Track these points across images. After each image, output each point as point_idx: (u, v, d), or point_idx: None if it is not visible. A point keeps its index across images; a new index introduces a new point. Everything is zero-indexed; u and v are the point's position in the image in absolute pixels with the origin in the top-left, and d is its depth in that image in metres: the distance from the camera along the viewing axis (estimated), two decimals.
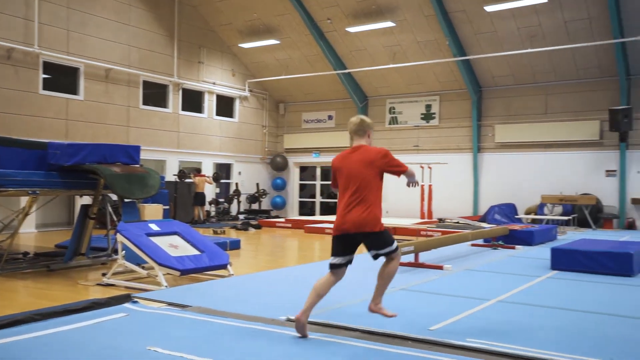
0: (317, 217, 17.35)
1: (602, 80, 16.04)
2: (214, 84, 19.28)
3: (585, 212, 15.67)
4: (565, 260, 7.57)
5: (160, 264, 6.21)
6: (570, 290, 6.34)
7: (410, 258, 7.81)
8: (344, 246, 4.21)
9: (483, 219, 16.34)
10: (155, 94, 17.54)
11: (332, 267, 4.23)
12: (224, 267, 6.84)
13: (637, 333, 4.44)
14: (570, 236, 12.85)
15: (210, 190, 18.55)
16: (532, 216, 16.02)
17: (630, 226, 15.78)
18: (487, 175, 17.87)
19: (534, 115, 17.10)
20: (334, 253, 4.25)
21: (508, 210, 16.56)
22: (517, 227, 11.44)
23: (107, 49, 15.76)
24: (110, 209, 9.29)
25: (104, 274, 6.73)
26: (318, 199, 21.76)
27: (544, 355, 3.70)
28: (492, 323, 4.64)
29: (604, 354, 3.78)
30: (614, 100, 15.71)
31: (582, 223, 15.83)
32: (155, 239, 6.70)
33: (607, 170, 16.19)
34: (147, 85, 17.13)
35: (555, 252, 7.69)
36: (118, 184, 7.34)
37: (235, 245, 10.19)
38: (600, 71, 15.90)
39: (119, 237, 6.55)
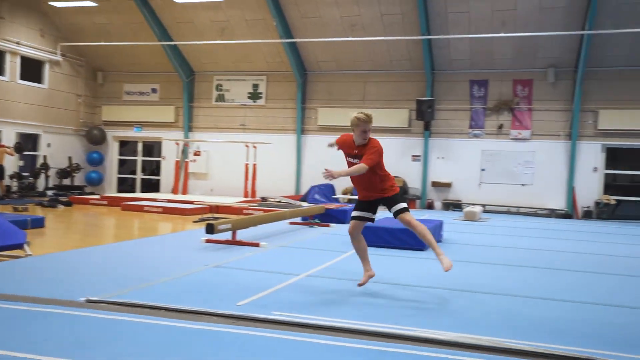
0: (137, 195, 16.53)
1: (411, 73, 17.59)
2: (17, 43, 17.17)
3: None
4: (371, 237, 8.19)
5: None
6: (371, 264, 6.89)
7: (228, 236, 7.84)
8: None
9: (304, 198, 17.01)
10: None
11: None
12: (19, 246, 6.18)
13: (427, 298, 5.00)
14: (379, 215, 13.97)
15: (11, 163, 16.60)
16: (348, 196, 17.11)
17: (430, 206, 17.68)
18: (309, 156, 18.59)
19: (353, 101, 18.16)
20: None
21: (327, 190, 17.45)
22: (333, 206, 12.13)
23: None
24: None
25: None
26: (139, 175, 20.73)
27: (345, 324, 3.98)
28: (298, 296, 4.87)
29: (396, 320, 4.18)
30: (421, 92, 17.35)
31: None
32: None
33: (413, 156, 17.88)
34: None
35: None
36: None
37: (38, 223, 9.27)
38: (410, 64, 17.41)
39: None
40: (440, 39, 16.01)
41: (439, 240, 9.12)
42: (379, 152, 5.01)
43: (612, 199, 15.98)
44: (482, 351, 3.54)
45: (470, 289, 5.51)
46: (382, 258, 7.25)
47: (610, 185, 16.53)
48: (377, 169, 5.00)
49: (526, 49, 16.04)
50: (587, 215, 16.19)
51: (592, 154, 16.26)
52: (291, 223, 11.04)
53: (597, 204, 16.06)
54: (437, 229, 8.97)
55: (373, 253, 7.54)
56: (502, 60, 16.60)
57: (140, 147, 20.64)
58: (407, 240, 8.01)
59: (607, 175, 16.47)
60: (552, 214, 16.29)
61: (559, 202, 16.48)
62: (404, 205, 5.08)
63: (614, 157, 16.60)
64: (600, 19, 14.42)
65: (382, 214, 6.92)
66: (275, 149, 18.11)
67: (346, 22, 16.42)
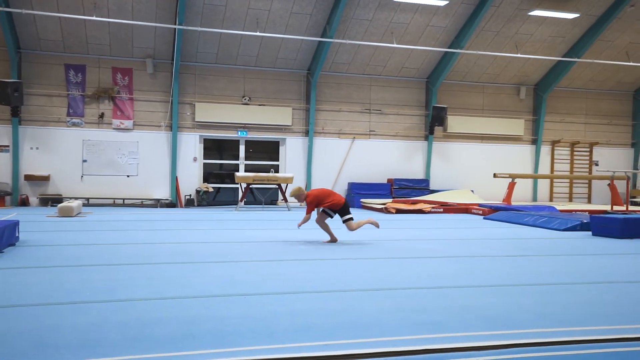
0: None
1: None
2: None
3: None
4: None
5: None
6: None
7: None
8: None
9: None
10: None
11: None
12: None
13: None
14: None
15: None
16: None
17: (24, 202, 15.65)
18: None
19: None
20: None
21: None
22: None
23: None
24: None
25: None
26: None
27: None
28: None
29: None
30: (5, 73, 15.08)
31: None
32: None
33: (1, 146, 15.49)
34: None
35: None
36: None
37: None
38: None
39: None
40: (23, 13, 14.09)
41: (12, 244, 7.88)
42: (311, 201, 8.12)
43: (210, 187, 17.19)
44: None
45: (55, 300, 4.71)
46: None
47: (210, 174, 17.78)
48: (319, 205, 8.20)
49: (123, 37, 15.65)
50: (190, 203, 17.01)
51: (191, 145, 17.10)
52: None
53: (198, 192, 17.03)
54: (9, 230, 7.70)
55: None
56: (99, 46, 15.81)
57: None
58: None
59: (205, 164, 17.61)
60: (158, 203, 16.51)
61: (163, 192, 16.81)
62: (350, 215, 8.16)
63: (216, 147, 17.90)
64: (190, 16, 15.12)
65: None
66: None
67: None
